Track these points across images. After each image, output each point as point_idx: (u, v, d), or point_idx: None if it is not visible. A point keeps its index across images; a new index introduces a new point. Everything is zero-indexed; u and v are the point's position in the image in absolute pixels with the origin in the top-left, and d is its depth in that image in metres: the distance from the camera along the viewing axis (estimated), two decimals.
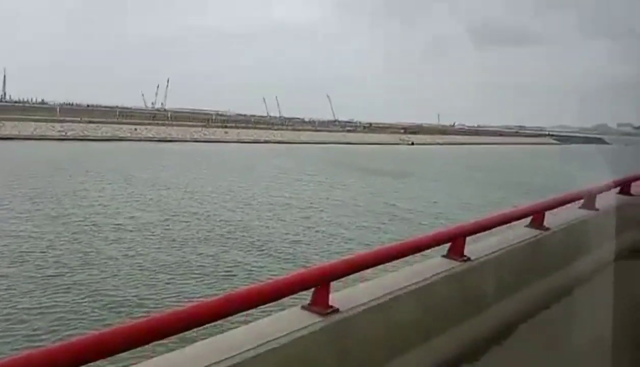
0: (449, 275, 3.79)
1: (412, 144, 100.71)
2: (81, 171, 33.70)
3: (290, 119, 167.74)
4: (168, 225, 21.01)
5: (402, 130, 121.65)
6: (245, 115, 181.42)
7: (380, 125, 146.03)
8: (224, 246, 18.27)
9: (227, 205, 26.18)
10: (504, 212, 4.80)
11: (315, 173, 40.46)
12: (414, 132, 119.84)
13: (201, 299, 2.77)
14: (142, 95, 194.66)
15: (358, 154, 65.78)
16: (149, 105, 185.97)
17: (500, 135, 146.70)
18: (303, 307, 2.97)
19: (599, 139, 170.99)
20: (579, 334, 4.41)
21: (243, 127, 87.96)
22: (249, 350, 2.56)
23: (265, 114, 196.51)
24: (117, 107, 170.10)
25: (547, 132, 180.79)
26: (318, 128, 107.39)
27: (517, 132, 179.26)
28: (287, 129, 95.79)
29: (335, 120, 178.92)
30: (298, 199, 29.16)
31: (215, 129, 78.52)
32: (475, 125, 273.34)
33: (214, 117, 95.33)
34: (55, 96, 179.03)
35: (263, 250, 18.11)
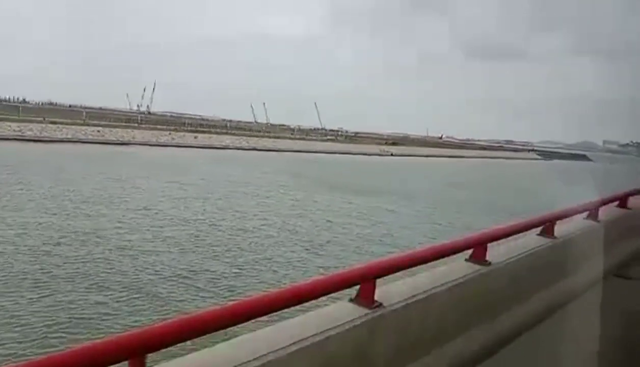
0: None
1: (392, 155, 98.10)
2: None
3: (276, 126, 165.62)
4: None
5: (384, 142, 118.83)
6: (231, 121, 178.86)
7: (365, 136, 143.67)
8: None
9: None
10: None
11: (261, 185, 37.06)
12: (395, 144, 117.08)
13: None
14: (127, 96, 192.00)
15: (331, 164, 62.41)
16: (134, 107, 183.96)
17: (484, 149, 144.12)
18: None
19: (583, 155, 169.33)
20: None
21: (218, 133, 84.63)
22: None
23: (252, 121, 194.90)
24: (100, 108, 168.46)
25: (531, 148, 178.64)
26: (297, 136, 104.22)
27: (502, 147, 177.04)
28: (264, 136, 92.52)
29: (321, 129, 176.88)
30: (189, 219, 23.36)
31: (185, 133, 75.10)
32: (464, 138, 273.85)
33: (186, 122, 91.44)
34: (44, 96, 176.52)
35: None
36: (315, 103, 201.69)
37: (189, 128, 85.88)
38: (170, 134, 71.94)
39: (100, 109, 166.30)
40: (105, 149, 55.01)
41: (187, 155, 56.20)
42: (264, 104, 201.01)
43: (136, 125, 77.91)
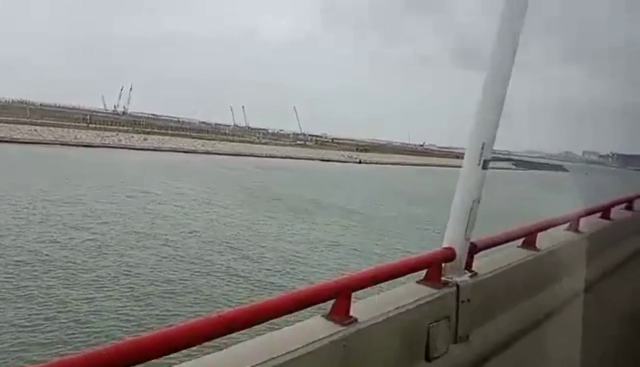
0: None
1: (360, 162, 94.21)
2: None
3: (255, 129, 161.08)
4: None
5: (356, 148, 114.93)
6: (210, 123, 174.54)
7: (342, 142, 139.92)
8: None
9: None
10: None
11: (188, 193, 32.69)
12: (367, 150, 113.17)
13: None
14: (102, 97, 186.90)
15: (286, 171, 57.60)
16: (111, 107, 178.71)
17: (458, 157, 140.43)
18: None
19: (560, 166, 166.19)
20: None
21: (174, 135, 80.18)
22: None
23: (231, 123, 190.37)
24: (74, 108, 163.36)
25: (508, 158, 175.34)
26: (262, 140, 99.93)
27: None
28: (229, 140, 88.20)
29: (301, 134, 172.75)
30: None
31: (134, 135, 70.57)
32: (447, 146, 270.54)
33: (151, 124, 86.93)
34: (20, 94, 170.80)
35: None
36: (294, 107, 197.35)
37: (146, 130, 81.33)
38: (117, 134, 67.34)
39: (74, 108, 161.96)
40: (36, 150, 50.39)
41: (117, 159, 51.32)
42: (242, 107, 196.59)
43: (85, 125, 73.15)
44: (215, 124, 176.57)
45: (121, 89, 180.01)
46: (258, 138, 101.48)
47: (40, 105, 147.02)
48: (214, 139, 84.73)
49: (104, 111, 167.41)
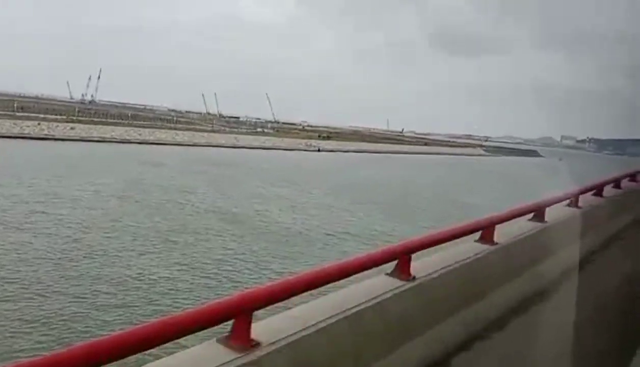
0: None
1: (319, 150, 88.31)
2: None
3: (225, 117, 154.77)
4: None
5: (318, 135, 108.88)
6: (179, 111, 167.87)
7: (313, 129, 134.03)
8: None
9: None
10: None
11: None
12: (329, 138, 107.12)
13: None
14: (68, 85, 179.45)
15: (230, 164, 50.27)
16: (78, 96, 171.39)
17: (427, 144, 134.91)
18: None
19: (534, 151, 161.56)
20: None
21: (113, 124, 73.64)
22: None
23: (203, 111, 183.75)
24: (37, 97, 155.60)
25: (479, 144, 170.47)
26: (215, 128, 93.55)
27: (453, 142, 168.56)
28: (177, 129, 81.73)
29: (274, 121, 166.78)
30: None
31: (60, 124, 63.99)
32: (425, 132, 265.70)
33: (76, 110, 79.99)
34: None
35: None
36: (266, 94, 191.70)
37: (83, 119, 74.63)
38: (39, 124, 60.75)
39: (37, 97, 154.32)
40: None
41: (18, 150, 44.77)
42: (215, 94, 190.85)
43: (11, 114, 66.36)
44: (186, 112, 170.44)
45: (89, 78, 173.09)
46: (211, 126, 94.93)
47: None
48: (160, 127, 78.19)
49: (69, 100, 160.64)
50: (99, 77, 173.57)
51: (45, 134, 58.85)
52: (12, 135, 55.75)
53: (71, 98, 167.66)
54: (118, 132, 67.71)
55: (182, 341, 2.38)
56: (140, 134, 69.12)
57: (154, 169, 40.22)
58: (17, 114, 67.52)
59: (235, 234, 21.86)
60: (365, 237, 23.08)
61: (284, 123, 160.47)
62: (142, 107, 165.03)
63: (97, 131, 65.21)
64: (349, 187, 39.02)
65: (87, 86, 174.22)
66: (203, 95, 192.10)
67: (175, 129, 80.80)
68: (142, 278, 15.27)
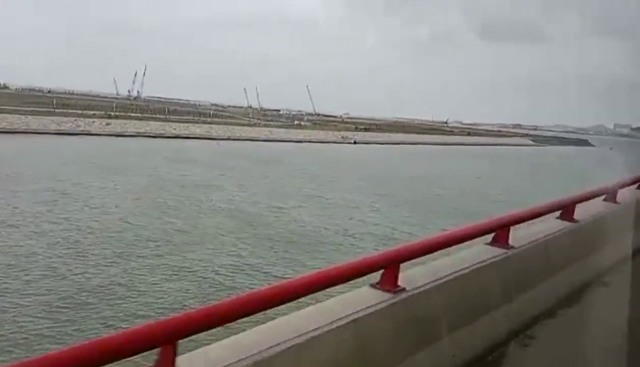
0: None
1: (355, 142, 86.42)
2: None
3: (266, 110, 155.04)
4: None
5: (355, 127, 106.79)
6: (221, 106, 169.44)
7: (354, 121, 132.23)
8: None
9: None
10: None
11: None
12: (367, 129, 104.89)
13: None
14: (114, 81, 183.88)
15: (255, 159, 49.56)
16: (124, 92, 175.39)
17: (470, 134, 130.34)
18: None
19: (585, 140, 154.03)
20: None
21: (151, 119, 74.04)
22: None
23: (245, 105, 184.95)
24: (84, 94, 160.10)
25: (526, 133, 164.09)
26: (251, 122, 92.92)
27: (499, 132, 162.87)
28: (212, 123, 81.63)
29: (315, 114, 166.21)
30: None
31: (97, 119, 64.63)
32: (472, 122, 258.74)
33: (114, 106, 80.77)
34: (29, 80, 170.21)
35: None
36: (307, 86, 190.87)
37: (121, 114, 75.42)
38: (76, 120, 61.55)
39: (86, 94, 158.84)
40: None
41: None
42: (256, 88, 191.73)
43: (51, 110, 67.58)
44: (228, 106, 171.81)
45: (135, 75, 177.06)
46: (248, 120, 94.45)
47: (49, 91, 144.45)
48: (195, 122, 78.20)
49: (116, 96, 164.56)
50: (144, 74, 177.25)
51: (82, 130, 59.52)
52: (50, 131, 56.70)
53: (117, 94, 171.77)
54: (153, 126, 67.89)
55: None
56: (175, 129, 69.15)
57: (174, 164, 39.46)
58: (57, 110, 68.64)
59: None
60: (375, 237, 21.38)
61: (324, 115, 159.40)
62: (186, 102, 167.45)
63: (132, 126, 65.54)
64: (374, 182, 37.18)
65: (133, 82, 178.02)
66: (245, 89, 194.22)
67: (211, 123, 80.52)
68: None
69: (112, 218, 21.35)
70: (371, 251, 17.27)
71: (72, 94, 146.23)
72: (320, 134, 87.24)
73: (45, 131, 55.71)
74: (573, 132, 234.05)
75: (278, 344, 2.57)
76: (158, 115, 79.31)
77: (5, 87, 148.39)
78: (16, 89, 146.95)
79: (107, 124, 63.23)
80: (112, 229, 19.48)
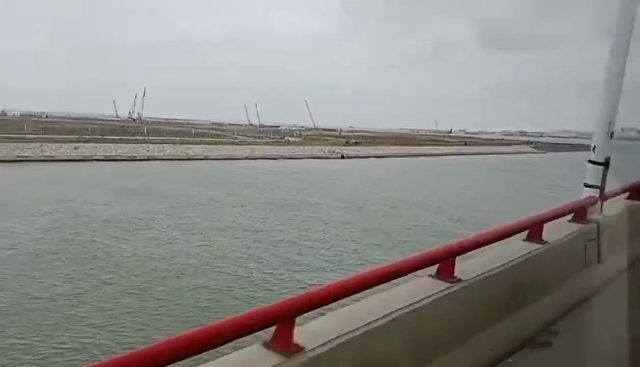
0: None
1: (342, 157, 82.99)
2: None
3: (266, 127, 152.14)
4: None
5: (345, 141, 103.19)
6: (221, 124, 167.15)
7: (347, 134, 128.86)
8: None
9: None
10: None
11: None
12: (357, 143, 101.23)
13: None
14: (114, 103, 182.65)
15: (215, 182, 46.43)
16: (124, 114, 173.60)
17: (466, 144, 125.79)
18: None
19: (586, 145, 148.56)
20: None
21: (129, 141, 71.11)
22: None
23: (244, 123, 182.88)
24: (85, 118, 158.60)
25: (528, 140, 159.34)
26: (238, 140, 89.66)
27: (502, 140, 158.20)
28: (195, 143, 78.57)
29: (314, 128, 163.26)
30: None
31: (65, 144, 61.73)
32: (477, 131, 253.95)
33: (89, 130, 78.05)
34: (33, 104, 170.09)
35: None
36: (305, 101, 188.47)
37: (98, 137, 72.65)
38: (41, 145, 58.71)
39: (86, 118, 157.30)
40: None
41: None
42: (255, 105, 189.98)
43: (20, 137, 64.97)
44: (229, 124, 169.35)
45: (135, 97, 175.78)
46: (235, 138, 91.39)
47: (46, 116, 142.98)
48: (174, 143, 75.06)
49: (115, 118, 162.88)
50: (144, 95, 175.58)
51: (45, 156, 56.61)
52: (9, 159, 53.84)
53: (117, 116, 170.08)
54: (125, 149, 64.93)
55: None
56: (148, 150, 66.16)
57: (110, 193, 35.93)
58: (27, 136, 66.02)
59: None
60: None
61: (323, 129, 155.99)
62: (185, 121, 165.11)
63: (102, 150, 62.60)
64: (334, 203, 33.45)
65: (134, 104, 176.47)
66: (245, 107, 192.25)
67: (192, 142, 77.40)
68: None
69: None
70: None
71: (70, 117, 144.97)
72: (305, 150, 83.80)
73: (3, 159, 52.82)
74: (578, 137, 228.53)
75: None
76: (137, 137, 76.35)
77: (3, 113, 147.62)
78: (13, 114, 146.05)
79: (76, 148, 60.31)
80: None
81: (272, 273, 18.70)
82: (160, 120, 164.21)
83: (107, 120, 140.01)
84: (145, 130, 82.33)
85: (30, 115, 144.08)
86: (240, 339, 2.40)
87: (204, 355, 2.30)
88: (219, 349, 2.32)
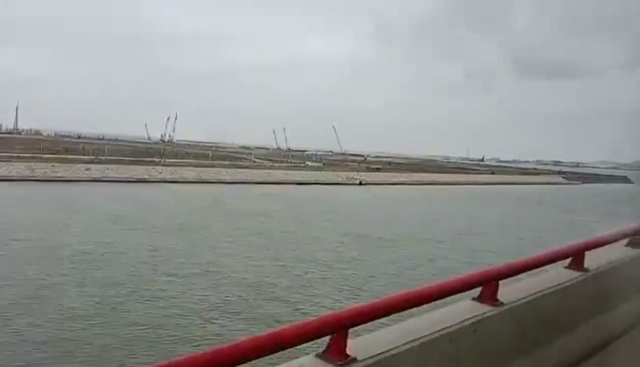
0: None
1: (360, 183, 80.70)
2: None
3: (293, 151, 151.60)
4: None
5: (366, 167, 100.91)
6: (249, 147, 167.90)
7: (372, 160, 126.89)
8: None
9: None
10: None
11: None
12: (379, 170, 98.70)
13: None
14: (145, 126, 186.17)
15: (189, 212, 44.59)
16: (156, 136, 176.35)
17: (492, 173, 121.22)
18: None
19: (623, 177, 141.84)
20: None
21: (145, 163, 70.80)
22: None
23: (273, 146, 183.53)
24: (116, 138, 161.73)
25: (558, 170, 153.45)
26: (257, 161, 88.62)
27: (526, 170, 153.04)
28: (215, 166, 77.84)
29: (342, 153, 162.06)
30: None
31: (77, 165, 61.58)
32: (511, 159, 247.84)
33: (98, 150, 78.12)
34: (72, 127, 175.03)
35: None
36: (333, 126, 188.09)
37: (113, 158, 72.65)
38: (53, 165, 58.68)
39: (116, 139, 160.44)
40: None
41: None
42: (284, 129, 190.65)
43: (38, 155, 65.40)
44: (256, 148, 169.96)
45: (167, 120, 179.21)
46: (252, 161, 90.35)
47: (78, 137, 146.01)
48: (187, 165, 74.40)
49: (147, 140, 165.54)
50: (175, 118, 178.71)
51: (56, 176, 56.41)
52: (21, 178, 53.80)
53: (149, 138, 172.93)
54: (139, 171, 64.43)
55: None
56: (161, 172, 65.51)
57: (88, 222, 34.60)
58: (44, 155, 66.41)
59: None
60: None
61: (350, 154, 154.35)
62: (213, 144, 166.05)
63: (114, 171, 62.17)
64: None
65: (166, 127, 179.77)
66: (274, 130, 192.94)
67: (208, 166, 76.57)
68: None
69: None
70: None
71: (98, 138, 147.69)
72: (322, 175, 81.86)
73: (9, 178, 52.68)
74: (615, 168, 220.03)
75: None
76: (154, 159, 76.01)
77: (37, 133, 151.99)
78: (48, 134, 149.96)
79: (87, 169, 60.01)
80: None
81: None
82: (190, 143, 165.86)
83: (137, 142, 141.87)
84: (162, 152, 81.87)
85: (63, 136, 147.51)
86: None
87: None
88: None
